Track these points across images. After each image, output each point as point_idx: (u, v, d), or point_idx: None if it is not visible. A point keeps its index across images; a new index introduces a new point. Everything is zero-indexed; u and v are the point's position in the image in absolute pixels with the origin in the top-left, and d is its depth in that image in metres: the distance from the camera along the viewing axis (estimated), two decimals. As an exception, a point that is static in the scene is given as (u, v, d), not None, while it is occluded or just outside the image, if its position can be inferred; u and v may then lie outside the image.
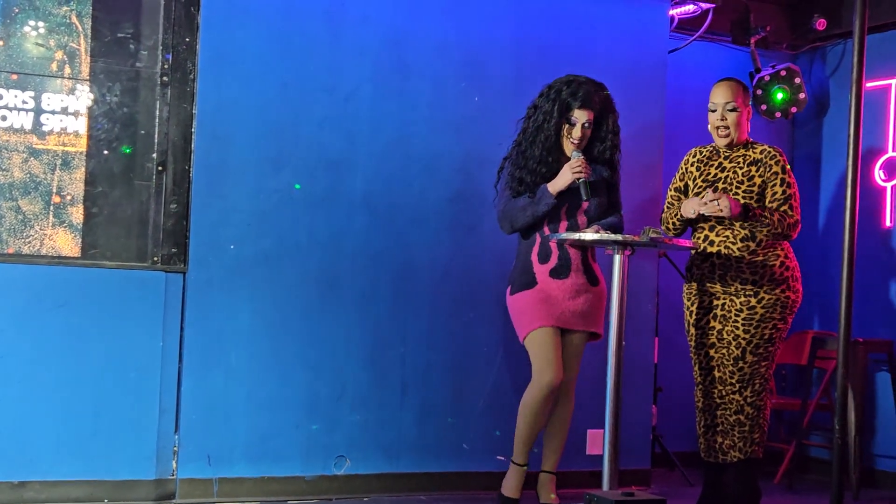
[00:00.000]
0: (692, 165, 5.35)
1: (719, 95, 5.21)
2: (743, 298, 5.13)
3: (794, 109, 7.02)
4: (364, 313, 5.59)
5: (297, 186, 5.48)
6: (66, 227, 5.15)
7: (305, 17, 5.50)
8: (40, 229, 5.11)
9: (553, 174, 5.06)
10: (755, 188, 5.14)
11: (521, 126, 5.22)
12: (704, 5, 6.53)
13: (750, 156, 5.21)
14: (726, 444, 5.19)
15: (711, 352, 5.22)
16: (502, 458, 5.73)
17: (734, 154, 5.24)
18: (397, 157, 5.67)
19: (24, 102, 5.09)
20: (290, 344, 5.45)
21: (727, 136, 5.20)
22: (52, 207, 5.13)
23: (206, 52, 5.33)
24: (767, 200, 5.14)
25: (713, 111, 5.22)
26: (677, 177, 5.42)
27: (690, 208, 5.12)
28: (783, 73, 6.96)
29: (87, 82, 5.19)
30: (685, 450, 6.82)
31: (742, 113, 5.19)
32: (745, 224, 5.08)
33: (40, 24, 5.12)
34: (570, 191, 5.04)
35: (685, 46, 6.80)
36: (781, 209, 5.12)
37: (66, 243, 5.15)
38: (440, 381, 5.74)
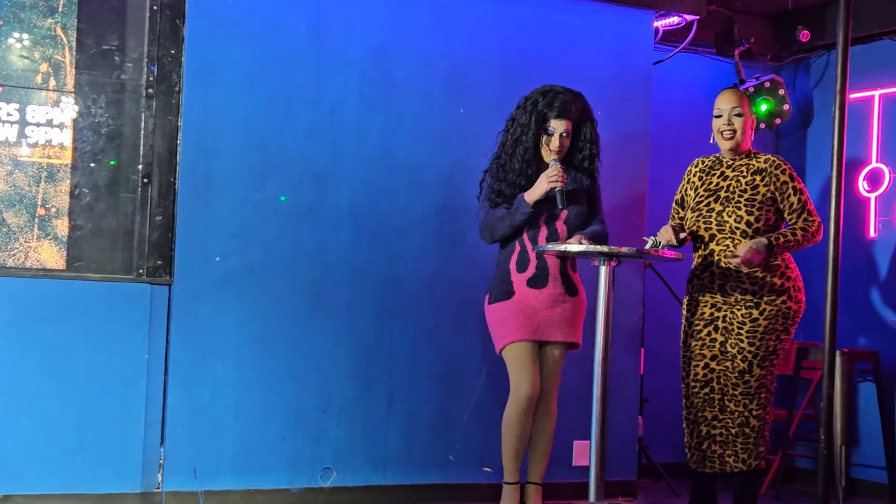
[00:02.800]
0: (694, 176, 5.32)
1: (725, 101, 5.19)
2: (744, 310, 5.10)
3: (778, 120, 7.04)
4: (350, 325, 5.58)
5: (283, 198, 5.48)
6: (51, 239, 5.14)
7: (290, 30, 5.50)
8: (25, 242, 5.09)
9: (532, 185, 5.06)
10: (758, 197, 5.11)
11: (500, 139, 5.21)
12: (689, 17, 6.55)
13: (753, 165, 5.19)
14: (727, 454, 5.14)
15: (713, 364, 5.14)
16: (489, 470, 5.73)
17: (737, 163, 5.21)
18: (383, 168, 5.67)
19: (8, 115, 5.08)
20: (276, 356, 5.44)
21: (732, 138, 5.17)
22: (36, 220, 5.12)
23: (191, 64, 5.33)
24: (786, 213, 5.14)
25: (719, 116, 5.19)
26: (679, 188, 5.39)
27: (666, 239, 5.11)
28: (767, 84, 6.98)
29: (72, 94, 5.18)
30: (671, 460, 6.82)
31: (747, 119, 5.20)
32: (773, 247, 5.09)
33: (25, 36, 5.11)
34: (549, 199, 5.02)
35: (670, 58, 6.82)
36: (801, 218, 5.11)
37: (51, 256, 5.14)
38: (426, 392, 5.73)
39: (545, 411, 5.14)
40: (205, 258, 5.33)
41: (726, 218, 5.12)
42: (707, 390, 5.16)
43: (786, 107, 7.00)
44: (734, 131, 5.17)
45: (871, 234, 6.71)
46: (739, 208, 5.10)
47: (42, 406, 5.07)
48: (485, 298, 5.19)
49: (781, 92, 6.99)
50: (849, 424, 6.44)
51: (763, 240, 5.05)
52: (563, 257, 5.09)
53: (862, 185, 6.75)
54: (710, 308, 5.18)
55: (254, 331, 5.40)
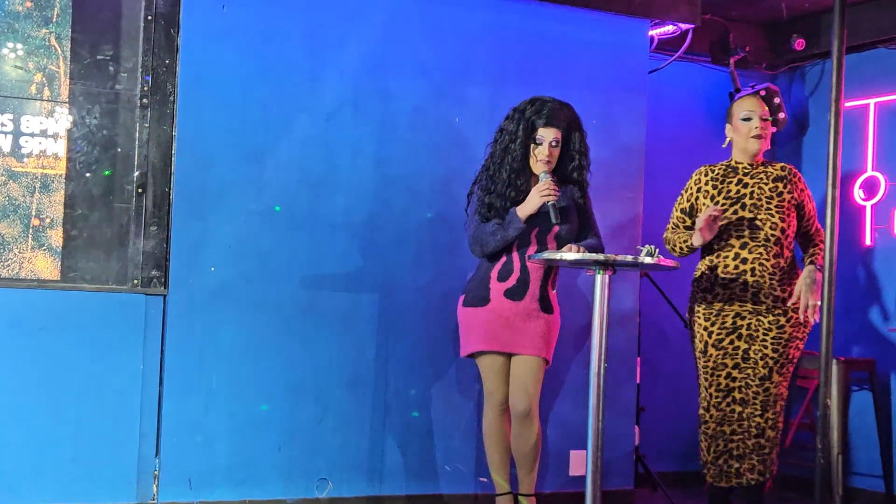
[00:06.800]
0: (706, 184, 5.23)
1: (755, 105, 5.20)
2: (772, 317, 5.07)
3: (773, 129, 7.04)
4: (345, 335, 5.57)
5: (278, 208, 5.47)
6: (45, 250, 5.12)
7: (285, 40, 5.50)
8: (19, 252, 5.08)
9: (522, 198, 5.01)
10: (785, 203, 5.11)
11: (489, 150, 5.19)
12: (684, 26, 6.55)
13: (771, 172, 5.18)
14: (744, 467, 5.11)
15: (735, 372, 5.11)
16: (485, 480, 5.72)
17: (754, 170, 5.19)
18: (377, 178, 5.67)
19: (2, 125, 5.07)
20: (272, 366, 5.43)
21: (761, 143, 5.19)
22: (31, 230, 5.10)
23: (185, 74, 5.32)
24: (805, 220, 5.17)
25: (749, 119, 5.18)
26: (684, 197, 5.31)
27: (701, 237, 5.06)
28: (763, 92, 6.98)
29: (67, 105, 5.17)
30: (668, 470, 6.81)
31: (770, 126, 5.23)
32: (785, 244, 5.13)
33: (19, 46, 5.10)
34: (540, 214, 4.99)
35: (665, 67, 6.82)
36: (814, 226, 5.22)
37: (45, 266, 5.12)
38: (422, 402, 5.72)
39: (526, 424, 5.06)
40: (200, 268, 5.32)
41: (759, 225, 5.09)
42: (728, 400, 5.11)
43: (781, 115, 7.00)
44: (764, 138, 5.19)
45: (867, 242, 6.71)
46: (773, 215, 5.09)
47: (36, 417, 5.06)
48: (460, 297, 5.18)
49: (777, 100, 6.99)
50: (845, 433, 6.43)
51: (814, 271, 5.06)
52: (546, 274, 5.07)
53: (858, 194, 6.75)
54: (734, 317, 5.13)
55: (249, 341, 5.39)
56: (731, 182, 5.20)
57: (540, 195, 4.92)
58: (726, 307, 5.14)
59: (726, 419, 5.14)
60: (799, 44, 6.92)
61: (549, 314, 5.08)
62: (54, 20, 5.16)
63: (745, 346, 5.11)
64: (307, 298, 5.50)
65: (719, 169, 5.27)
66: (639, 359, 6.38)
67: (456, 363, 5.76)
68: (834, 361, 6.19)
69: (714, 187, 5.22)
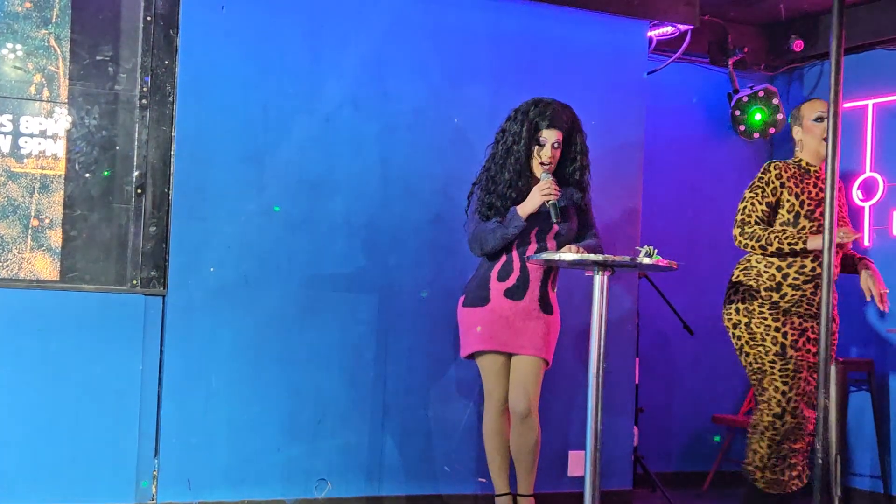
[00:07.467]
0: (787, 180, 5.12)
1: (825, 105, 5.12)
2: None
3: (772, 130, 7.06)
4: (344, 335, 5.57)
5: (277, 209, 5.47)
6: (44, 250, 5.13)
7: (285, 40, 5.50)
8: (18, 253, 5.08)
9: (523, 198, 5.01)
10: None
11: (489, 151, 5.19)
12: (682, 27, 6.56)
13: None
14: (792, 474, 5.13)
15: (811, 377, 5.09)
16: (484, 480, 5.72)
17: (820, 174, 5.17)
18: (377, 178, 5.67)
19: (2, 126, 5.07)
20: (271, 367, 5.43)
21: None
22: (30, 231, 5.11)
23: (185, 74, 5.32)
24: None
25: (821, 120, 5.12)
26: (766, 191, 5.13)
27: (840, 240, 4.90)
28: (761, 93, 6.99)
29: (66, 105, 5.17)
30: (666, 470, 6.81)
31: None
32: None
33: (18, 46, 5.10)
34: (540, 213, 4.99)
35: (664, 68, 6.82)
36: None
37: (44, 267, 5.13)
38: (421, 402, 5.72)
39: (525, 425, 5.05)
40: (199, 269, 5.32)
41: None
42: (804, 405, 5.06)
43: (779, 116, 7.01)
44: None
45: (866, 243, 6.72)
46: (846, 222, 5.09)
47: (36, 417, 5.06)
48: (460, 298, 5.18)
49: (775, 101, 7.00)
50: (843, 434, 6.44)
51: (868, 262, 5.15)
52: (546, 274, 5.08)
53: (856, 195, 6.76)
54: (799, 318, 5.11)
55: (248, 341, 5.39)
56: (808, 182, 5.14)
57: (541, 194, 4.93)
58: (793, 309, 5.10)
59: (797, 427, 5.08)
60: (797, 45, 6.93)
61: (549, 315, 5.09)
62: (53, 21, 5.16)
63: (814, 349, 5.10)
64: (307, 298, 5.50)
65: (792, 166, 5.18)
66: (637, 359, 6.39)
67: (456, 363, 5.77)
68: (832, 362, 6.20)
69: (796, 185, 5.13)
